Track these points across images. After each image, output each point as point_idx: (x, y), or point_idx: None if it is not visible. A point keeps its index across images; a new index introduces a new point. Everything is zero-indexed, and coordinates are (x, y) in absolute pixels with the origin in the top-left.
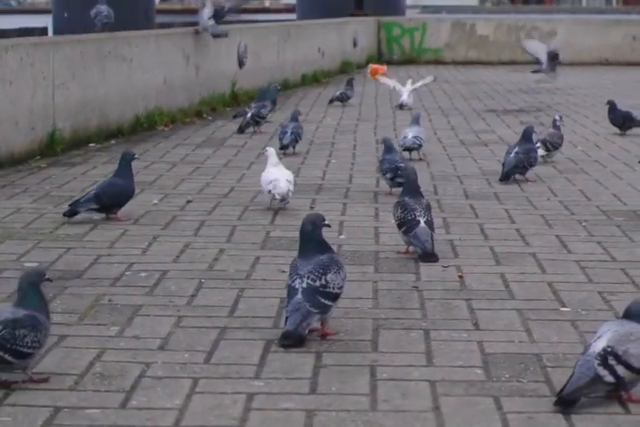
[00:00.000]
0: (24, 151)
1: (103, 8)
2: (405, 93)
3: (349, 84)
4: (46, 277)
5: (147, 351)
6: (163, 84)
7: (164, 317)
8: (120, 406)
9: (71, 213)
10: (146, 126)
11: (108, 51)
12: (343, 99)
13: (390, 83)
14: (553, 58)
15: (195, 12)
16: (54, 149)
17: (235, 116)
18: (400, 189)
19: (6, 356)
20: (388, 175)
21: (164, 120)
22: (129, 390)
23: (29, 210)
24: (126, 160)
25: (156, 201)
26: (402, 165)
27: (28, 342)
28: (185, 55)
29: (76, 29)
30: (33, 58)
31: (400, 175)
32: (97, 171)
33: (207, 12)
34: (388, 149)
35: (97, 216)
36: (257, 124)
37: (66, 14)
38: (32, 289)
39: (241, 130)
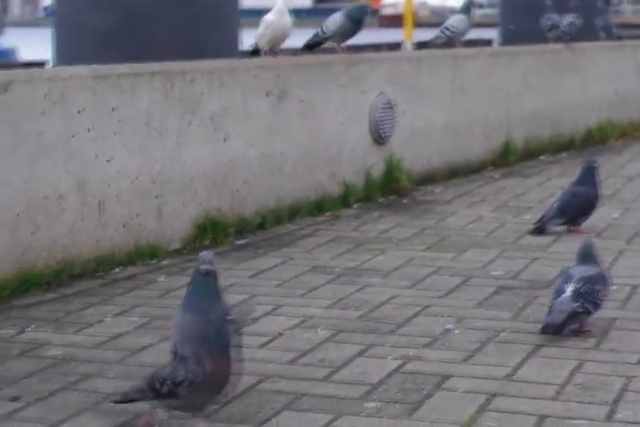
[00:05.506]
0: (478, 160)
1: (553, 17)
2: None
3: None
4: None
5: (626, 365)
6: (614, 96)
7: (638, 331)
8: (605, 419)
9: (538, 231)
10: (597, 139)
11: (563, 62)
12: None
13: None
14: None
15: None
16: (507, 159)
17: None
18: None
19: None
20: None
21: (616, 133)
22: (612, 403)
23: (489, 219)
24: (587, 168)
25: (616, 215)
26: None
27: (601, 297)
28: (637, 67)
29: (524, 40)
30: (490, 68)
31: None
32: (551, 183)
33: None
34: None
35: (559, 228)
36: None
37: (512, 26)
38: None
39: None
